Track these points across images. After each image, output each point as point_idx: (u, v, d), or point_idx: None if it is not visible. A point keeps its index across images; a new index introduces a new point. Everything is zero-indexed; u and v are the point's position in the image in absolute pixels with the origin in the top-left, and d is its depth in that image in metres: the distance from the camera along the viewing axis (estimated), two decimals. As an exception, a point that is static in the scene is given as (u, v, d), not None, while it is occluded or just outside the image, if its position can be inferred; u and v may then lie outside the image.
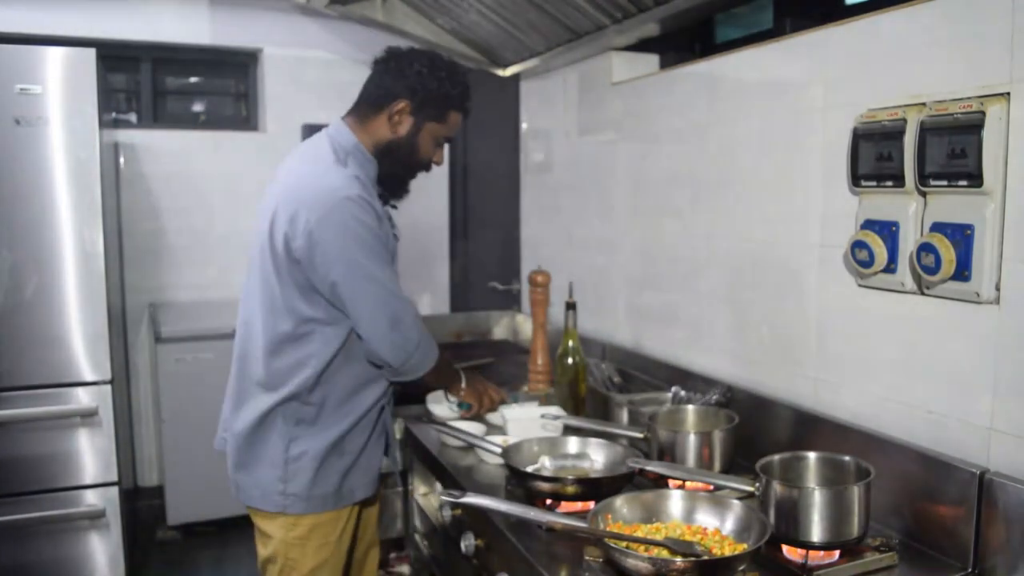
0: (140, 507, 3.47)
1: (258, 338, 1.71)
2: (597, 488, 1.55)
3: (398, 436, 2.15)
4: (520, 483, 1.62)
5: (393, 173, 1.78)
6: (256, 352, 1.72)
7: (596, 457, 1.72)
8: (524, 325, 3.24)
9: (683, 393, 2.05)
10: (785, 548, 1.35)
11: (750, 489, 1.44)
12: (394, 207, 1.86)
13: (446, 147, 1.87)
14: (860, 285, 1.61)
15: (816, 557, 1.33)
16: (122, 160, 3.51)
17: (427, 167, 1.82)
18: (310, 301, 1.66)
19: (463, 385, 1.97)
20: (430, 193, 3.71)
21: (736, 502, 1.36)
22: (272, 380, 1.70)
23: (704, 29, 2.39)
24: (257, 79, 3.81)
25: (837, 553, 1.34)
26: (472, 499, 1.37)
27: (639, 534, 1.32)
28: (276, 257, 1.65)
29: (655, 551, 1.26)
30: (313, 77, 3.65)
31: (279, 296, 1.67)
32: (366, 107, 1.75)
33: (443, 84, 1.72)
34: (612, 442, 1.75)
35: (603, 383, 2.30)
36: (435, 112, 1.74)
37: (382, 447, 1.87)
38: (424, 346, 1.74)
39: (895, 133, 1.46)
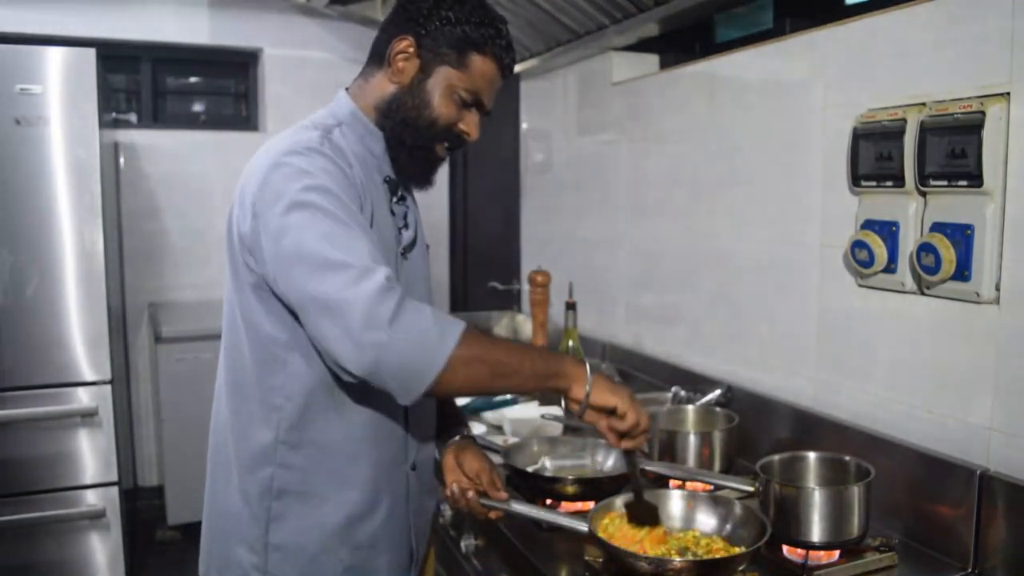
0: (140, 507, 3.47)
1: (221, 371, 1.32)
2: (597, 488, 1.55)
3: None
4: (521, 483, 1.62)
5: (400, 141, 1.29)
6: (220, 388, 1.32)
7: (596, 457, 1.72)
8: (524, 325, 3.24)
9: (683, 393, 2.06)
10: (785, 548, 1.35)
11: (750, 489, 1.45)
12: (403, 198, 1.35)
13: (478, 118, 1.31)
14: (860, 285, 1.61)
15: (816, 557, 1.33)
16: (122, 160, 3.51)
17: (447, 135, 1.29)
18: (270, 312, 1.21)
19: (588, 385, 1.18)
20: (430, 193, 3.69)
21: (736, 502, 1.36)
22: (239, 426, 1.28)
23: (704, 29, 2.39)
24: (257, 79, 3.81)
25: (837, 553, 1.34)
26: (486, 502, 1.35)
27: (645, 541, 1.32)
28: (233, 259, 1.25)
29: (654, 551, 1.26)
30: (313, 77, 3.65)
31: (237, 313, 1.26)
32: (368, 65, 1.34)
33: (461, 16, 1.25)
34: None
35: (603, 383, 2.30)
36: (450, 53, 1.25)
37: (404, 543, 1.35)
38: (412, 325, 1.07)
39: (895, 133, 1.46)
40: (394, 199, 1.33)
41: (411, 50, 1.26)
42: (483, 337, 1.14)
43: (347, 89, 1.35)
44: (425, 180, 1.37)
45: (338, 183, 1.17)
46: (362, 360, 1.06)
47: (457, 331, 1.09)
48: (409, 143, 1.29)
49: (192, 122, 3.82)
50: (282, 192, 1.14)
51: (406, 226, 1.35)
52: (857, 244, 1.54)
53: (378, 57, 1.31)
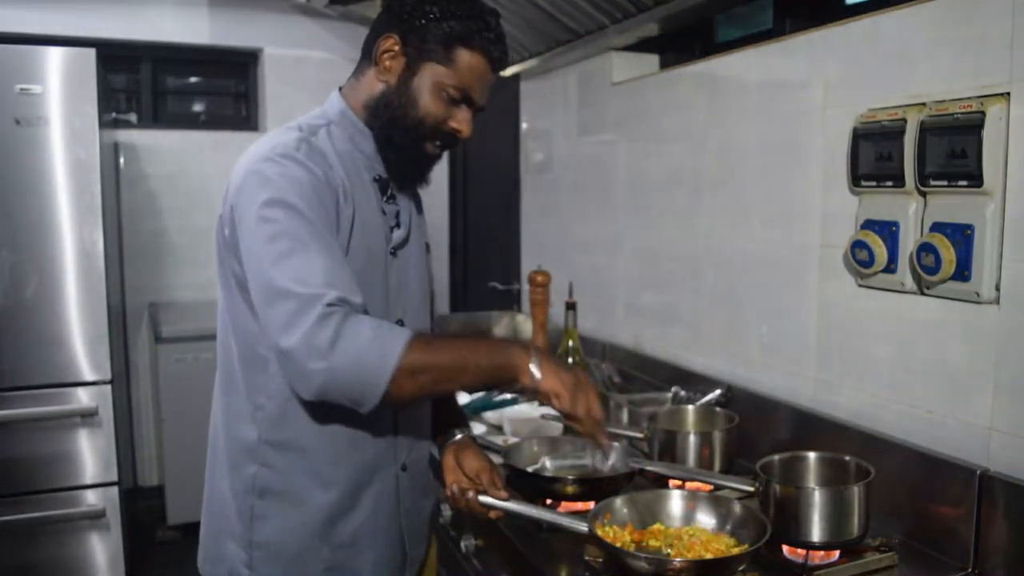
0: (140, 507, 3.47)
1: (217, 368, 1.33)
2: (597, 488, 1.54)
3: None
4: (521, 483, 1.62)
5: (389, 140, 1.28)
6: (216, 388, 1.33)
7: (596, 457, 1.72)
8: (524, 325, 3.24)
9: (683, 393, 2.06)
10: (785, 548, 1.35)
11: (750, 489, 1.45)
12: (393, 197, 1.34)
13: (469, 115, 1.28)
14: (860, 285, 1.61)
15: (816, 557, 1.33)
16: (122, 160, 3.51)
17: (437, 133, 1.27)
18: (254, 310, 1.19)
19: (535, 369, 1.18)
20: (430, 192, 3.69)
21: (736, 502, 1.36)
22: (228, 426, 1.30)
23: (704, 29, 2.39)
24: (257, 79, 3.81)
25: (837, 553, 1.34)
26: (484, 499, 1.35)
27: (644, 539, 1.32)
28: (221, 257, 1.26)
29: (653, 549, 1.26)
30: (313, 77, 3.64)
31: (226, 311, 1.27)
32: (360, 64, 1.33)
33: (446, 11, 1.23)
34: (612, 442, 1.75)
35: (603, 383, 2.30)
36: (435, 48, 1.23)
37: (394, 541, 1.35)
38: (351, 349, 1.07)
39: (895, 133, 1.46)
40: (384, 198, 1.32)
41: (397, 48, 1.25)
42: (427, 344, 1.13)
43: (340, 89, 1.35)
44: (418, 179, 1.37)
45: (303, 194, 1.15)
46: (309, 387, 1.09)
47: (398, 346, 1.08)
48: (397, 142, 1.28)
49: (192, 122, 3.82)
50: (252, 201, 1.15)
51: (398, 225, 1.34)
52: (857, 244, 1.54)
53: (368, 56, 1.30)
